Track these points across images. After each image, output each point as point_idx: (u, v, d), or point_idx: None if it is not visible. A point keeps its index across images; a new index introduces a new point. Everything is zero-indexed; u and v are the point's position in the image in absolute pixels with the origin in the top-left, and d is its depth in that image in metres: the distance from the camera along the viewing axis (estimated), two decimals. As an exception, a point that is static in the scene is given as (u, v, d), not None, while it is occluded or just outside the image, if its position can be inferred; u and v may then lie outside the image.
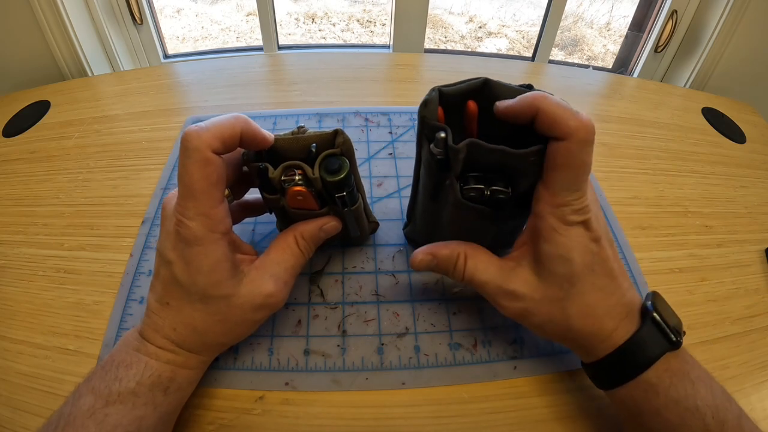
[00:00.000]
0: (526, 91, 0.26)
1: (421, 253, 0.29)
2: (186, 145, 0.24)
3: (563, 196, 0.24)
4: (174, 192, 0.26)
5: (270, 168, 0.27)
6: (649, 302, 0.26)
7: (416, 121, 0.28)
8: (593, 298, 0.25)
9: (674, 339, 0.24)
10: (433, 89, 0.27)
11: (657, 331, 0.24)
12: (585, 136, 0.23)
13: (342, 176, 0.27)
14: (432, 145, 0.26)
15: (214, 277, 0.26)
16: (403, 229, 0.39)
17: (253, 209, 0.33)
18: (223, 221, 0.26)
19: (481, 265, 0.28)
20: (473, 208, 0.27)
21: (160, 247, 0.27)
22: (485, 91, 0.27)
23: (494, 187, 0.26)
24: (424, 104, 0.27)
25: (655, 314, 0.25)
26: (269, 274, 0.28)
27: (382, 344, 0.33)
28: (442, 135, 0.25)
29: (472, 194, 0.26)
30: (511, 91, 0.26)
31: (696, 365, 0.25)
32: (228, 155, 0.27)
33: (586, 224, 0.25)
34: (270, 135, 0.27)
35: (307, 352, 0.32)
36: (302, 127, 0.30)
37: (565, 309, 0.25)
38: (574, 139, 0.23)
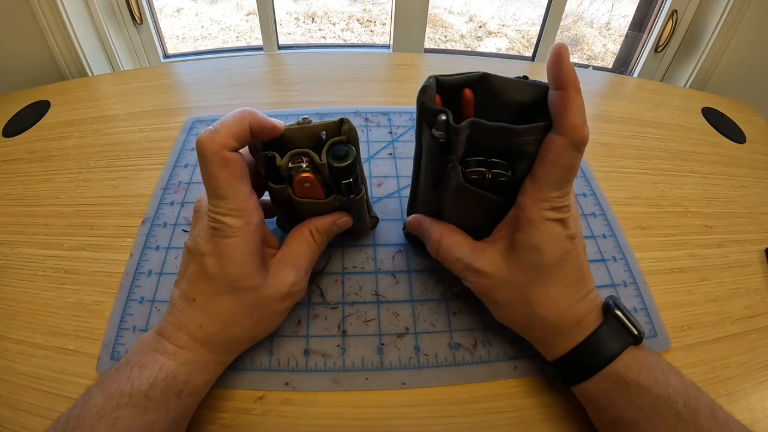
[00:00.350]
0: (523, 81, 0.26)
1: (414, 217, 0.33)
2: (202, 152, 0.24)
3: (547, 191, 0.25)
4: (204, 194, 0.27)
5: (277, 156, 0.28)
6: (611, 301, 0.27)
7: (416, 114, 0.29)
8: (558, 292, 0.26)
9: (636, 333, 0.26)
10: (430, 77, 0.27)
11: (620, 326, 0.26)
12: (577, 140, 0.23)
13: (349, 162, 0.28)
14: (433, 129, 0.26)
15: (246, 269, 0.26)
16: (403, 230, 0.39)
17: (266, 211, 0.34)
18: (255, 213, 0.27)
19: (454, 244, 0.30)
20: (475, 193, 0.27)
21: (191, 243, 0.27)
22: (483, 83, 0.27)
23: (495, 170, 0.27)
24: (423, 90, 0.27)
25: (617, 310, 0.26)
26: (291, 265, 0.29)
27: (382, 344, 0.33)
28: (443, 117, 0.25)
29: (474, 177, 0.27)
30: (509, 83, 0.26)
31: (663, 360, 0.26)
32: (244, 153, 0.28)
33: (563, 222, 0.26)
34: (280, 123, 0.28)
35: (307, 352, 0.32)
36: (306, 118, 0.30)
37: (528, 295, 0.27)
38: (567, 138, 0.23)
